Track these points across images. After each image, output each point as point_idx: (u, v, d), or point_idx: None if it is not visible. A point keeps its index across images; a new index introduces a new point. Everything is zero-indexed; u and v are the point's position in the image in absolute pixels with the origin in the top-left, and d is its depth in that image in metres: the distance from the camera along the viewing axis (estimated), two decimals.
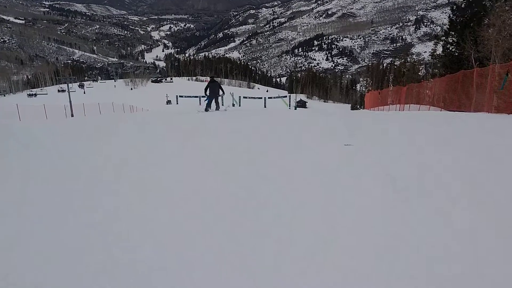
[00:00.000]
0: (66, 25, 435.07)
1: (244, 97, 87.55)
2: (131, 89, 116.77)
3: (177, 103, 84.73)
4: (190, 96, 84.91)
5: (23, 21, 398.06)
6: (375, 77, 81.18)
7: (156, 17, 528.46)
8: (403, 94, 29.14)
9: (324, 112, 21.46)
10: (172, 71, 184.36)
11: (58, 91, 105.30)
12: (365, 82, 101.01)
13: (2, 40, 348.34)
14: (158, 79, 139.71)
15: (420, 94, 26.48)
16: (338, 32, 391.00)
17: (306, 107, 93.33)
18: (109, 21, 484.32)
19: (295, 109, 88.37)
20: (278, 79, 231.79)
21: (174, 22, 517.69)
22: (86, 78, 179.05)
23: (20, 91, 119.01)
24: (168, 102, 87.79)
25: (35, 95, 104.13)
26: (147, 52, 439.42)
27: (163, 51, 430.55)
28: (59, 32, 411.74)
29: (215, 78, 15.70)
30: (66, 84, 66.72)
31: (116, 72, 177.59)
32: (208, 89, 15.02)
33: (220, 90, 15.34)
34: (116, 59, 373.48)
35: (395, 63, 76.81)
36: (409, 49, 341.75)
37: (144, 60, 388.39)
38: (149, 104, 78.92)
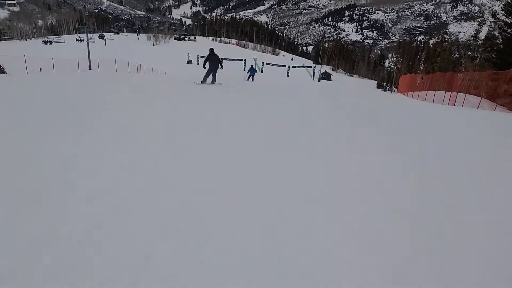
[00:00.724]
0: None
1: (267, 63, 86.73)
2: (153, 44, 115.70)
3: (197, 64, 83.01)
4: None
5: None
6: (406, 55, 78.63)
7: None
8: (457, 83, 25.09)
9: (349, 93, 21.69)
10: (197, 30, 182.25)
11: (76, 40, 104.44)
12: (394, 59, 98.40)
13: None
14: (182, 36, 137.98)
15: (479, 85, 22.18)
16: (371, 3, 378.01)
17: (330, 80, 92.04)
18: None
19: (319, 80, 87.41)
20: (304, 48, 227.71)
21: None
22: (111, 29, 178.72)
23: (42, 37, 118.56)
24: (189, 61, 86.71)
25: (51, 42, 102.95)
26: (174, 8, 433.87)
27: (191, 8, 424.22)
28: None
29: (214, 51, 15.25)
30: (85, 34, 66.28)
31: (141, 26, 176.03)
32: (208, 62, 14.63)
33: (219, 64, 14.82)
34: (143, 13, 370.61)
35: (429, 42, 74.27)
36: (443, 28, 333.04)
37: (171, 16, 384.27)
38: (169, 62, 78.74)
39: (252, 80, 30.41)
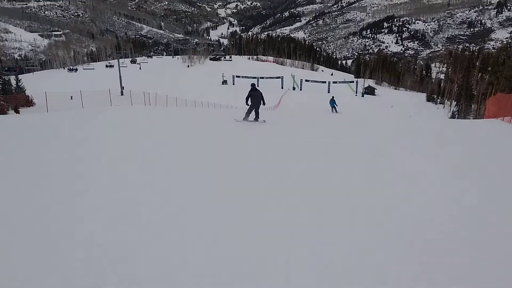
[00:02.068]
0: (136, 0, 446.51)
1: (306, 80, 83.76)
2: (188, 66, 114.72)
3: (233, 84, 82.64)
4: (247, 77, 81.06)
5: None
6: (459, 64, 72.92)
7: None
8: None
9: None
10: (234, 49, 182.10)
11: (106, 66, 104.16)
12: (444, 69, 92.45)
13: (76, 14, 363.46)
14: (217, 56, 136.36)
15: None
16: (411, 14, 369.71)
17: (374, 94, 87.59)
18: None
19: (363, 96, 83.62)
20: (343, 62, 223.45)
21: (241, 0, 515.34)
22: (152, 53, 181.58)
23: (80, 64, 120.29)
24: (224, 82, 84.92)
25: (76, 70, 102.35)
26: (212, 30, 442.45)
27: (228, 29, 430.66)
28: (129, 8, 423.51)
29: (256, 87, 14.17)
30: (117, 59, 65.47)
31: (178, 48, 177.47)
32: (250, 98, 13.64)
33: (262, 100, 13.72)
34: (182, 35, 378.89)
35: (485, 48, 68.52)
36: (488, 34, 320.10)
37: (209, 37, 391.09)
38: (204, 83, 77.64)
39: (336, 111, 28.64)
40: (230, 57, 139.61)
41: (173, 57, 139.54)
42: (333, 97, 30.35)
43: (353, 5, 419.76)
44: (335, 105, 29.97)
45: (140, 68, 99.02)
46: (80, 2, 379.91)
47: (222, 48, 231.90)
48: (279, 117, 15.61)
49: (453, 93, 70.53)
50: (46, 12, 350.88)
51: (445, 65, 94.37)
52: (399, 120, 23.35)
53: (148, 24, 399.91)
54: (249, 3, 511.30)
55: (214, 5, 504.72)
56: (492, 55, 58.45)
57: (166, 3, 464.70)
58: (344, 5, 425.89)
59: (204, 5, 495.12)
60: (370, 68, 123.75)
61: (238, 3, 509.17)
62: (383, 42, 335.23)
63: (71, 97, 35.29)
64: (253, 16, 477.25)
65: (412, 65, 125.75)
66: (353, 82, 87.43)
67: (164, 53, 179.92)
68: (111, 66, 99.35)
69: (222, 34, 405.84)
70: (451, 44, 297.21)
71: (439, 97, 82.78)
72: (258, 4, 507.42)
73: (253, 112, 13.63)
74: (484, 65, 66.64)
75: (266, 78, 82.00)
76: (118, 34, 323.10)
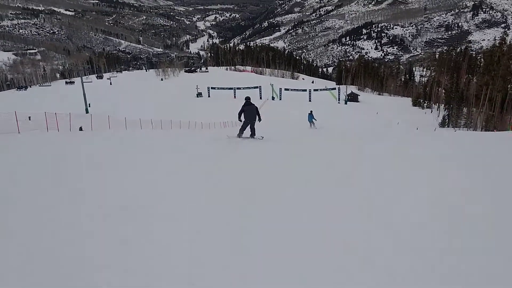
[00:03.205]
0: (114, 16, 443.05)
1: (285, 89, 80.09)
2: (161, 79, 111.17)
3: (208, 96, 79.34)
4: (223, 88, 79.25)
5: (73, 13, 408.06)
6: (446, 66, 69.66)
7: (202, 7, 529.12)
8: None
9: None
10: (212, 61, 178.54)
11: (66, 83, 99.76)
12: (427, 72, 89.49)
13: (52, 31, 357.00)
14: (192, 68, 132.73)
15: None
16: (389, 19, 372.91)
17: (358, 101, 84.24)
18: (155, 11, 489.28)
19: (345, 103, 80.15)
20: (324, 69, 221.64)
21: (219, 12, 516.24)
22: (130, 68, 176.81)
23: (49, 82, 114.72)
24: (199, 94, 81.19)
25: (25, 88, 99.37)
26: (192, 42, 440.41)
27: (208, 41, 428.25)
28: (106, 23, 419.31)
29: (250, 101, 12.63)
30: (82, 76, 61.03)
31: (152, 61, 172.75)
32: (243, 114, 12.23)
33: (257, 116, 12.36)
34: (161, 49, 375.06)
35: (471, 49, 65.67)
36: (465, 37, 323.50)
37: (189, 50, 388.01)
38: (177, 97, 73.92)
39: (315, 127, 26.03)
40: (206, 68, 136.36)
41: (146, 71, 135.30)
42: (311, 111, 26.61)
43: (331, 13, 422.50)
44: (313, 120, 26.50)
45: (110, 84, 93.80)
46: (56, 20, 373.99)
47: (202, 61, 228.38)
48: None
49: (441, 96, 67.38)
50: (21, 31, 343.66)
51: (432, 68, 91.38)
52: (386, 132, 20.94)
53: (126, 39, 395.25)
54: (227, 15, 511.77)
55: (193, 18, 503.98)
56: (485, 54, 55.21)
57: (144, 17, 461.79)
58: (323, 13, 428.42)
59: (182, 18, 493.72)
60: (352, 74, 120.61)
61: (217, 15, 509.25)
62: (363, 48, 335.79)
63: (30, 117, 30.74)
64: (232, 28, 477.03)
65: (395, 69, 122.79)
66: (335, 89, 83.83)
67: (144, 67, 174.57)
68: (71, 82, 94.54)
69: (201, 46, 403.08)
70: (430, 48, 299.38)
71: (426, 101, 79.65)
72: (237, 16, 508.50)
73: (248, 129, 12.22)
74: (472, 66, 63.74)
75: (243, 88, 78.37)
76: (96, 50, 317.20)
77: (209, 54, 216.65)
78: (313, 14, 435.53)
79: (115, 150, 10.31)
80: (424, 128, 45.71)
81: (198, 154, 8.76)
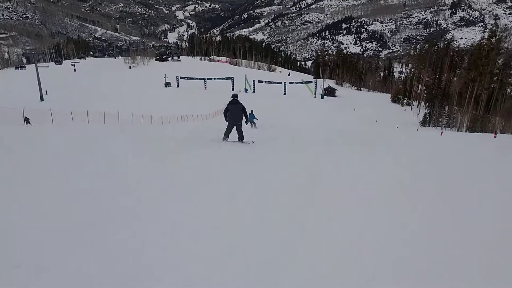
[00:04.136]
0: (90, 2, 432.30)
1: (259, 81, 76.03)
2: (130, 67, 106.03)
3: (177, 86, 74.48)
4: (193, 78, 74.42)
5: None
6: (427, 61, 66.81)
7: None
8: None
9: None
10: (187, 50, 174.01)
11: (16, 67, 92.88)
12: (406, 69, 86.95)
13: (25, 16, 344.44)
14: (164, 57, 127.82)
15: None
16: (368, 15, 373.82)
17: (335, 96, 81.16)
18: None
19: (322, 97, 76.81)
20: (303, 63, 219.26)
21: (199, 2, 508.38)
22: (96, 53, 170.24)
23: (10, 67, 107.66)
24: (167, 84, 76.05)
25: None
26: (170, 32, 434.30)
27: (186, 31, 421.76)
28: (83, 10, 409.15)
29: (237, 99, 10.63)
30: (30, 61, 56.38)
31: (120, 49, 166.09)
32: (228, 113, 10.44)
33: (243, 115, 10.51)
34: (138, 38, 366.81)
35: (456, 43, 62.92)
36: (444, 34, 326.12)
37: (167, 40, 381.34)
38: (145, 86, 69.47)
39: (255, 126, 23.78)
40: (179, 57, 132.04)
41: (115, 58, 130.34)
42: (252, 111, 24.10)
43: (311, 6, 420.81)
44: (254, 120, 24.50)
45: (75, 70, 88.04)
46: (29, 4, 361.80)
47: (179, 51, 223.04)
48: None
49: (421, 93, 64.73)
50: None
51: (411, 63, 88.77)
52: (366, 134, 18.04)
53: (103, 26, 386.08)
54: (207, 5, 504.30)
55: (172, 7, 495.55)
56: (473, 48, 52.61)
57: (122, 5, 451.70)
58: (303, 7, 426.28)
59: (161, 7, 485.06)
60: (329, 67, 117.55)
61: (196, 5, 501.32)
62: (342, 43, 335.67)
63: None
64: (212, 18, 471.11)
65: (373, 64, 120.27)
66: (311, 82, 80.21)
67: (119, 56, 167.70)
68: (23, 67, 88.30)
69: (179, 36, 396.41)
70: (409, 45, 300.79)
71: (405, 98, 77.11)
72: (217, 6, 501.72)
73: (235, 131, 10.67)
74: (454, 62, 61.16)
75: (215, 79, 74.86)
76: (71, 36, 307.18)
77: (187, 44, 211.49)
78: (293, 7, 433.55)
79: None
80: (404, 126, 42.73)
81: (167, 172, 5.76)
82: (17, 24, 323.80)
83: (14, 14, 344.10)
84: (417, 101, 69.78)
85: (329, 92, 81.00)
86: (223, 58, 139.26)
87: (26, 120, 23.43)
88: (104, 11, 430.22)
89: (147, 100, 51.09)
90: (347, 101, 71.78)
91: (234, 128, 10.46)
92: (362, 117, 49.35)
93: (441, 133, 31.03)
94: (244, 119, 10.55)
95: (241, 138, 10.47)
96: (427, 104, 53.68)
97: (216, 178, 5.29)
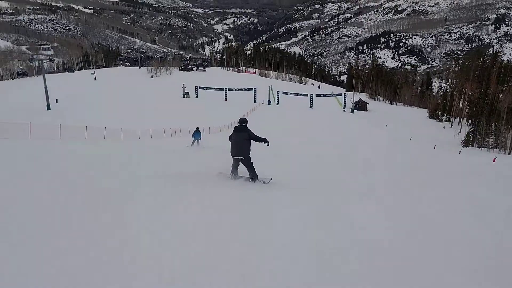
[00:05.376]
0: (132, 15, 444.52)
1: (284, 93, 71.81)
2: (152, 77, 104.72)
3: (196, 96, 71.48)
4: (213, 88, 71.57)
5: (91, 10, 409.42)
6: (472, 73, 60.12)
7: (221, 10, 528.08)
8: None
9: None
10: (216, 61, 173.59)
11: (18, 73, 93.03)
12: (447, 84, 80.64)
13: (67, 27, 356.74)
14: (189, 67, 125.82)
15: None
16: (408, 29, 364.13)
17: (366, 110, 75.71)
18: (174, 12, 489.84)
19: (352, 111, 71.19)
20: (338, 77, 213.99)
21: (238, 15, 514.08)
22: (118, 62, 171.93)
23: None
24: (185, 94, 73.31)
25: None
26: (207, 45, 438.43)
27: (224, 44, 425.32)
28: (124, 22, 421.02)
29: (243, 124, 8.12)
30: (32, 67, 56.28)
31: (142, 58, 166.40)
32: (231, 143, 8.08)
33: (246, 145, 7.89)
34: (176, 50, 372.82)
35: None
36: (486, 50, 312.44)
37: (204, 52, 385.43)
38: (164, 96, 67.62)
39: (198, 143, 22.41)
40: (204, 67, 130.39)
41: (140, 68, 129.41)
42: (197, 128, 23.17)
43: (350, 20, 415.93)
44: (199, 138, 22.89)
45: (95, 79, 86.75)
46: (73, 16, 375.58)
47: (207, 61, 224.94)
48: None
49: (463, 109, 58.34)
50: (37, 26, 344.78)
51: (453, 76, 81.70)
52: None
53: (142, 38, 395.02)
54: (246, 19, 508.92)
55: (211, 20, 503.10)
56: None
57: (162, 18, 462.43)
58: (341, 21, 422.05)
59: (200, 20, 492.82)
60: (363, 80, 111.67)
61: (235, 19, 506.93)
62: (380, 57, 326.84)
63: None
64: (250, 32, 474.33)
65: (411, 77, 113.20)
66: (340, 95, 75.14)
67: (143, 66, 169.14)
68: (23, 74, 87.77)
69: (217, 49, 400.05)
70: (449, 60, 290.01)
71: (445, 114, 70.57)
72: (255, 20, 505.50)
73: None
74: (503, 76, 54.67)
75: (236, 89, 71.22)
76: (110, 48, 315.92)
77: (215, 55, 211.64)
78: (331, 21, 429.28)
79: None
80: (443, 146, 37.08)
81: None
82: (59, 36, 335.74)
83: (58, 26, 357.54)
84: (459, 117, 63.26)
85: (360, 106, 75.85)
86: (250, 69, 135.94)
87: None
88: (144, 23, 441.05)
89: (162, 111, 48.91)
90: (379, 116, 66.63)
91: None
92: (394, 134, 43.94)
93: (494, 159, 25.35)
94: (246, 149, 8.02)
95: (252, 176, 8.08)
96: (470, 121, 47.56)
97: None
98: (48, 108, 47.86)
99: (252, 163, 8.01)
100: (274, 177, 8.05)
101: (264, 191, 6.95)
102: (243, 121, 8.24)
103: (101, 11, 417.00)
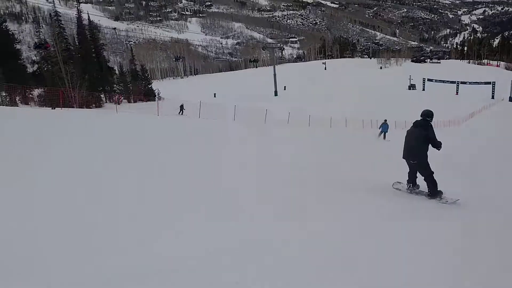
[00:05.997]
0: (375, 8, 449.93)
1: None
2: (380, 68, 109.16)
3: (423, 89, 71.68)
4: (443, 81, 70.84)
5: (337, 5, 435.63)
6: None
7: (471, 0, 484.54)
8: None
9: None
10: (455, 52, 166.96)
11: (250, 61, 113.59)
12: None
13: (314, 22, 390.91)
14: (421, 58, 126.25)
15: None
16: None
17: None
18: (418, 4, 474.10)
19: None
20: None
21: (490, 5, 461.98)
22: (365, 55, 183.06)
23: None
24: (411, 86, 74.07)
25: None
26: (451, 37, 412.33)
27: (470, 35, 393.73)
28: (366, 16, 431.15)
29: (427, 118, 6.51)
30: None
31: (372, 49, 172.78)
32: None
33: (421, 147, 6.34)
34: (416, 43, 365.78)
35: None
36: None
37: (446, 45, 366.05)
38: (386, 88, 67.15)
39: (384, 138, 21.32)
40: (438, 59, 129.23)
41: (370, 59, 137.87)
42: (385, 120, 21.95)
43: None
44: (386, 131, 21.76)
45: (325, 69, 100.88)
46: (320, 11, 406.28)
47: (446, 53, 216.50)
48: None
49: None
50: (288, 21, 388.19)
51: None
52: None
53: (382, 31, 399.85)
54: (499, 8, 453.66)
55: (458, 11, 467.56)
56: None
57: (405, 10, 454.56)
58: None
59: (446, 11, 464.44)
60: None
61: (486, 9, 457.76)
62: None
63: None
64: (502, 22, 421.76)
65: None
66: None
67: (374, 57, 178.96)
68: (254, 61, 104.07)
69: (460, 41, 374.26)
70: None
71: None
72: (510, 9, 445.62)
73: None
74: None
75: (470, 83, 69.39)
76: (351, 40, 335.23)
77: (457, 46, 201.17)
78: None
79: None
80: None
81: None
82: (306, 29, 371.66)
83: (306, 21, 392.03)
84: None
85: None
86: (493, 62, 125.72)
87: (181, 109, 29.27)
88: (386, 16, 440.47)
89: (382, 103, 47.58)
90: None
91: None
92: None
93: None
94: (419, 152, 6.31)
95: (431, 191, 6.27)
96: None
97: None
98: (276, 94, 54.75)
99: (432, 172, 6.17)
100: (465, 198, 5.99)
101: (446, 210, 5.56)
102: (427, 115, 6.44)
103: (346, 5, 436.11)
